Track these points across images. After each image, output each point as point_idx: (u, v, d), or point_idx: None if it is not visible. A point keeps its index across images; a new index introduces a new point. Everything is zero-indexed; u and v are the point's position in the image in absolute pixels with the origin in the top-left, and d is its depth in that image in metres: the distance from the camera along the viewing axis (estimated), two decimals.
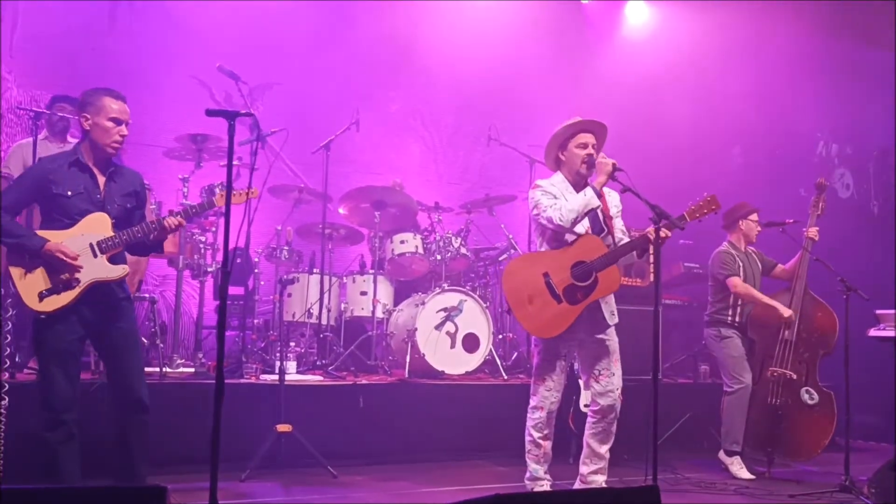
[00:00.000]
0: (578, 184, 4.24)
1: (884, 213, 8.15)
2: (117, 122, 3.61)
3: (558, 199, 4.13)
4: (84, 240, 3.54)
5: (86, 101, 3.63)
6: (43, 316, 3.51)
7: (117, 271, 3.61)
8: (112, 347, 3.67)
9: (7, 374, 4.62)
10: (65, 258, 3.47)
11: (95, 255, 3.55)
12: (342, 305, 6.40)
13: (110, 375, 3.70)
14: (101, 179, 3.65)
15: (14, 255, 3.51)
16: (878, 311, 5.57)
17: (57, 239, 3.50)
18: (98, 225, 3.58)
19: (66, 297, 3.50)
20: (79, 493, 2.39)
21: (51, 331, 3.52)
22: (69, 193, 3.56)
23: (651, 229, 3.89)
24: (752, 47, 8.25)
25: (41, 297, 3.48)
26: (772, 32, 8.10)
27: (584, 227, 4.15)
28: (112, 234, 3.59)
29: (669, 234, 3.86)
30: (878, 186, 8.37)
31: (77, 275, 3.51)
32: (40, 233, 3.54)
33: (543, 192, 4.19)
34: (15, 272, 3.49)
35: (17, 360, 4.86)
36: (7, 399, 3.97)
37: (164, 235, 3.74)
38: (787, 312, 5.26)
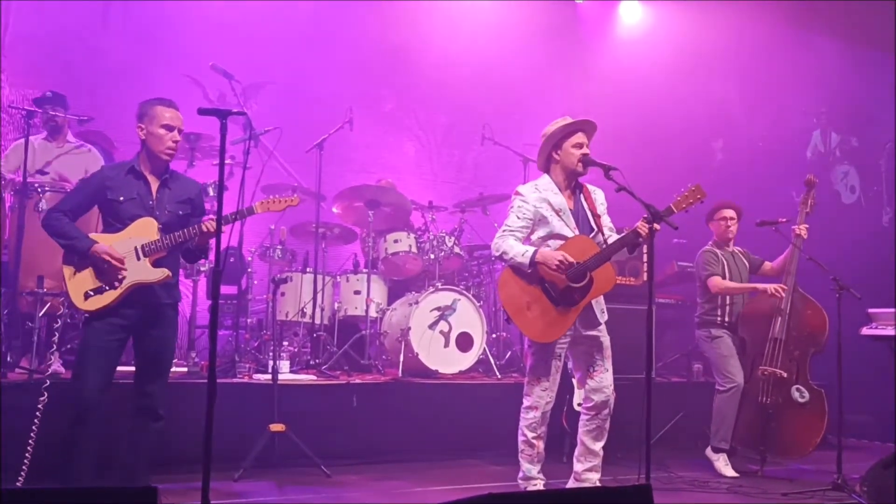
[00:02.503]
0: (570, 183, 4.24)
1: None
2: (169, 128, 3.77)
3: (522, 224, 4.16)
4: (130, 243, 3.69)
5: (141, 112, 3.81)
6: (87, 315, 3.69)
7: (157, 274, 3.72)
8: (145, 352, 3.79)
9: None
10: (110, 259, 3.62)
11: (138, 258, 3.69)
12: (336, 305, 6.39)
13: (136, 377, 3.81)
14: (155, 185, 3.82)
15: (68, 255, 3.69)
16: (871, 310, 5.59)
17: (106, 242, 3.67)
18: (145, 229, 3.73)
19: (108, 298, 3.65)
20: (70, 494, 2.39)
21: (90, 329, 3.67)
22: (121, 199, 3.73)
23: (640, 223, 3.90)
24: (747, 46, 8.25)
25: (86, 296, 3.64)
26: (766, 29, 8.08)
27: (571, 229, 4.15)
28: (157, 237, 3.71)
29: (658, 227, 3.84)
30: (891, 189, 7.11)
31: (120, 276, 3.65)
32: (93, 236, 3.71)
33: (518, 208, 4.21)
34: (66, 272, 3.69)
35: (8, 359, 4.84)
36: (46, 395, 4.08)
37: (206, 240, 3.84)
38: (766, 287, 5.28)
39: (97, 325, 3.65)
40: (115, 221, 3.74)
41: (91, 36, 6.90)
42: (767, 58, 8.24)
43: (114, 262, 3.62)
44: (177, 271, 3.89)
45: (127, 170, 3.80)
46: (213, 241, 3.80)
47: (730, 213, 5.61)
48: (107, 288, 3.64)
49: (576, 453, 4.28)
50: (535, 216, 4.18)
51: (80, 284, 3.65)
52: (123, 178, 3.77)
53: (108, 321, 3.66)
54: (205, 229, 3.71)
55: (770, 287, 5.29)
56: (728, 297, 5.51)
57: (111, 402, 3.70)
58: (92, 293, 3.64)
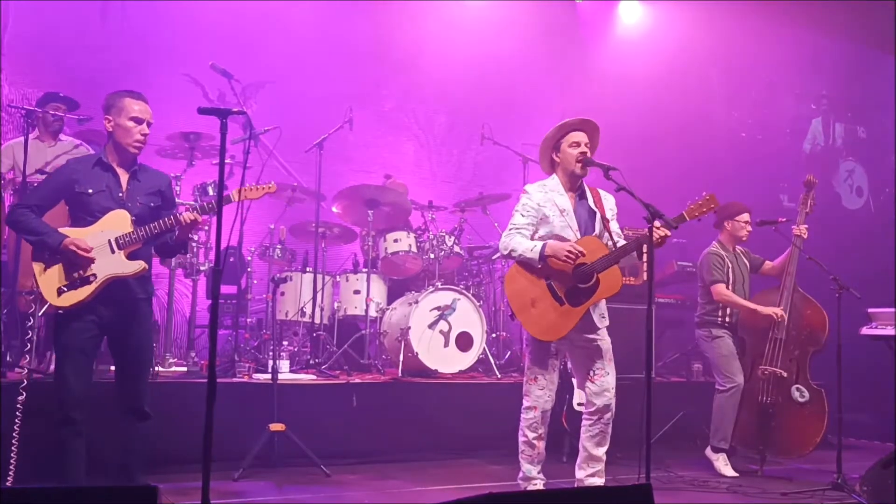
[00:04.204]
0: (573, 184, 4.24)
1: None
2: (138, 121, 3.70)
3: (527, 221, 4.15)
4: (103, 236, 3.61)
5: (108, 103, 3.73)
6: (61, 311, 3.58)
7: (133, 267, 3.64)
8: (124, 351, 3.73)
9: None
10: (77, 251, 3.53)
11: (113, 251, 3.61)
12: (335, 304, 6.39)
13: (117, 377, 3.76)
14: (124, 178, 3.74)
15: (37, 251, 3.60)
16: (871, 310, 5.59)
17: (77, 236, 3.58)
18: (118, 222, 3.65)
19: (82, 293, 3.56)
20: (70, 493, 2.38)
21: (66, 327, 3.59)
22: (90, 192, 3.64)
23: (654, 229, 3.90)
24: (746, 44, 8.24)
25: (59, 292, 3.55)
26: (766, 27, 8.05)
27: (573, 231, 4.15)
28: (131, 230, 3.64)
29: (669, 233, 3.88)
30: None
31: (94, 270, 3.57)
32: (63, 230, 3.61)
33: (523, 206, 4.21)
34: (37, 268, 3.58)
35: (7, 358, 4.84)
36: (24, 395, 4.00)
37: (184, 235, 3.80)
38: (766, 310, 5.28)
39: (71, 323, 3.56)
40: (85, 215, 3.64)
41: (90, 35, 6.89)
42: (767, 55, 8.23)
43: (80, 253, 3.52)
44: (150, 264, 3.79)
45: (94, 162, 3.71)
46: (213, 241, 3.78)
47: (748, 216, 5.63)
48: (80, 283, 3.55)
49: (578, 461, 4.23)
50: (539, 214, 4.18)
51: (52, 280, 3.54)
52: (91, 170, 3.68)
53: (82, 318, 3.57)
54: (183, 221, 3.65)
55: (771, 310, 5.27)
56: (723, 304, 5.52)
57: (104, 402, 3.67)
58: (65, 289, 3.54)
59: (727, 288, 5.47)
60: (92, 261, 3.56)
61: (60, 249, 3.54)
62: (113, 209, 3.66)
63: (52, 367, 4.59)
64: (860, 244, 6.15)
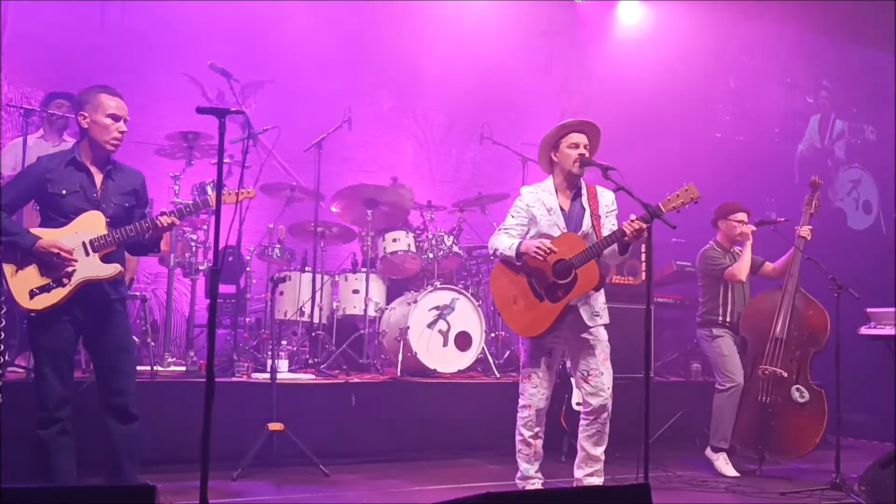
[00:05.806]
0: (571, 185, 4.24)
1: None
2: (115, 118, 3.60)
3: (516, 222, 4.24)
4: (77, 238, 3.53)
5: (83, 99, 3.63)
6: (34, 314, 3.50)
7: (108, 270, 3.58)
8: (101, 352, 3.65)
9: None
10: (60, 252, 3.45)
11: (87, 254, 3.54)
12: (334, 304, 6.39)
13: (98, 380, 3.68)
14: (99, 178, 3.65)
15: (8, 252, 3.50)
16: (870, 310, 5.60)
17: (50, 237, 3.50)
18: (92, 223, 3.57)
19: (56, 296, 3.48)
20: (67, 493, 2.38)
21: (43, 330, 3.52)
22: (64, 192, 3.55)
23: (626, 223, 3.89)
24: (745, 45, 8.24)
25: (32, 294, 3.47)
26: (766, 27, 8.05)
27: (560, 228, 4.15)
28: (105, 232, 3.57)
29: (643, 226, 3.83)
30: None
31: (69, 271, 3.49)
32: (35, 231, 3.52)
33: (514, 207, 4.29)
34: (7, 269, 3.48)
35: (6, 357, 4.83)
36: (1, 396, 3.97)
37: (159, 234, 3.74)
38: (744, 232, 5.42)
39: (47, 325, 3.50)
40: (58, 216, 3.55)
41: (89, 34, 6.88)
42: (767, 55, 8.23)
43: (63, 254, 3.44)
44: (124, 265, 3.72)
45: (67, 161, 3.59)
46: (212, 240, 3.75)
47: (744, 216, 5.60)
48: (54, 285, 3.47)
49: (577, 461, 4.23)
50: (528, 215, 4.23)
51: (24, 282, 3.44)
52: (64, 169, 3.57)
53: (57, 320, 3.50)
54: (159, 224, 3.60)
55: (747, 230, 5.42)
56: (730, 297, 5.51)
57: (88, 405, 3.65)
58: (38, 291, 3.45)
59: (728, 285, 5.48)
60: (73, 262, 3.48)
61: (34, 251, 3.45)
62: (87, 210, 3.57)
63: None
64: (870, 274, 5.48)
